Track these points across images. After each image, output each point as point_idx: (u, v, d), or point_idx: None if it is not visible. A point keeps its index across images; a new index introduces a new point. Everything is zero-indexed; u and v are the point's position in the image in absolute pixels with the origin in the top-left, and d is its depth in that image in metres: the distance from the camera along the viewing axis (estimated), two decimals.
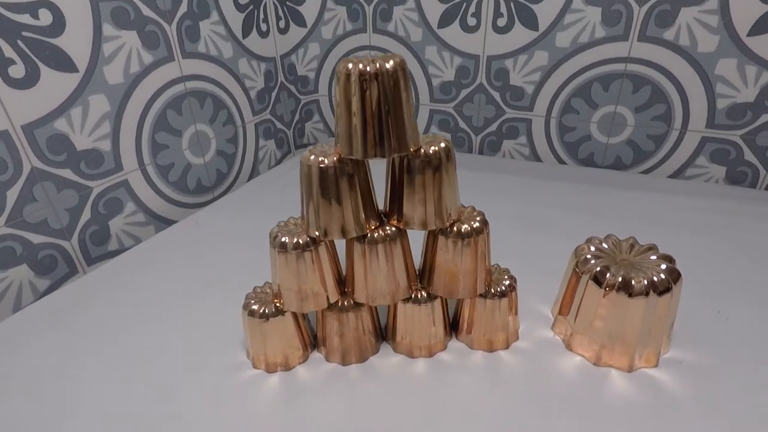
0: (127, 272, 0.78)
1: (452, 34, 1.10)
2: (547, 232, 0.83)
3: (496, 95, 1.13)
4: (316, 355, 0.59)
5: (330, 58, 1.28)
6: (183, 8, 0.93)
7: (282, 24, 1.22)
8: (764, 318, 0.62)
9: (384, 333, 0.61)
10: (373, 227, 0.51)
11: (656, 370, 0.55)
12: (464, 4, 1.06)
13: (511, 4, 1.02)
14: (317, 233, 0.51)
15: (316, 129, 1.41)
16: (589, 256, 0.55)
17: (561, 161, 1.13)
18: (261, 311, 0.54)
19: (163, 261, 0.81)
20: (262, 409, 0.52)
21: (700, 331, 0.60)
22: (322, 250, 0.52)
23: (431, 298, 0.56)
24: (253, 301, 0.56)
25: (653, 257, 0.54)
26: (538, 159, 1.16)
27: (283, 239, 0.51)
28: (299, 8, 1.22)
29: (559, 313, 0.60)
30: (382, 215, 0.54)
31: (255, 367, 0.57)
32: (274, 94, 1.24)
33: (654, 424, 0.48)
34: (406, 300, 0.55)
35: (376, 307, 0.59)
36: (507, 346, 0.59)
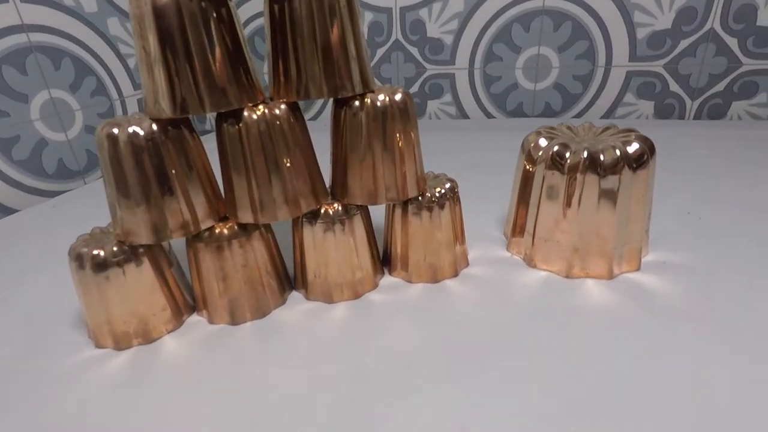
0: None
1: None
2: (484, 169, 0.72)
3: (414, 51, 1.03)
4: (196, 319, 0.42)
5: None
6: None
7: None
8: (733, 215, 0.53)
9: (293, 279, 0.45)
10: (253, 104, 0.36)
11: (640, 274, 0.43)
12: None
13: None
14: (164, 110, 0.34)
15: None
16: (541, 141, 0.44)
17: (489, 115, 1.05)
18: (94, 254, 0.36)
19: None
20: (97, 410, 0.33)
21: (676, 233, 0.50)
22: (179, 141, 0.36)
23: (348, 213, 0.40)
24: (83, 243, 0.37)
25: (618, 134, 0.44)
26: (465, 116, 1.07)
27: (113, 130, 0.34)
28: None
29: (514, 234, 0.48)
30: (271, 96, 0.39)
31: (99, 345, 0.39)
32: None
33: (650, 329, 0.36)
34: (314, 217, 0.40)
35: (274, 239, 0.42)
36: (455, 273, 0.45)
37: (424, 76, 1.06)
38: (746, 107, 0.90)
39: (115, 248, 0.37)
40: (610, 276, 0.43)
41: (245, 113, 0.35)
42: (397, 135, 0.38)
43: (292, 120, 0.37)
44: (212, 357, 0.37)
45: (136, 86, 0.98)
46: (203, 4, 0.32)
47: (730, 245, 0.47)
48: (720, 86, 0.90)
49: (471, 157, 0.78)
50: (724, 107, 0.92)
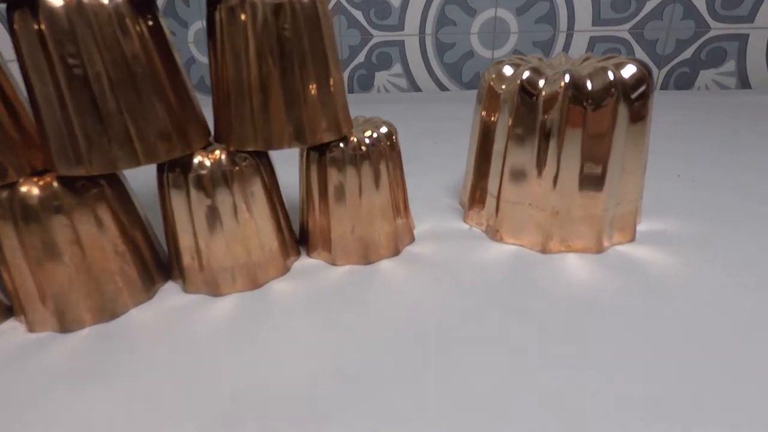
0: None
1: None
2: (440, 137, 0.61)
3: (359, 15, 0.91)
4: (11, 326, 0.28)
5: None
6: None
7: None
8: (722, 176, 0.45)
9: (165, 266, 0.32)
10: None
11: (635, 246, 0.33)
12: None
13: None
14: None
15: None
16: (506, 69, 0.33)
17: (444, 87, 0.95)
18: None
19: None
20: None
21: (669, 197, 0.41)
22: None
23: (237, 163, 0.28)
24: None
25: (602, 60, 0.33)
26: (417, 89, 0.96)
27: None
28: None
29: (472, 203, 0.36)
30: None
31: None
32: None
33: (654, 317, 0.26)
34: (183, 171, 0.27)
35: (130, 201, 0.29)
36: (395, 251, 0.33)
37: (371, 43, 0.94)
38: (714, 76, 0.84)
39: None
40: (599, 249, 0.32)
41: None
42: (301, 38, 0.26)
43: (133, 15, 0.24)
44: (17, 383, 0.23)
45: None
46: None
47: (727, 207, 0.38)
48: (687, 53, 0.84)
49: (424, 126, 0.67)
50: (691, 76, 0.85)
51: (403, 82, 0.96)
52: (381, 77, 0.97)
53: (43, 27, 0.22)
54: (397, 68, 0.95)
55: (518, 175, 0.32)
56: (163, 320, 0.28)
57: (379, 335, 0.25)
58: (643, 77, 0.30)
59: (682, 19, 0.81)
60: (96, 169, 0.25)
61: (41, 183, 0.25)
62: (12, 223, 0.25)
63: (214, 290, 0.29)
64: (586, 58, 0.35)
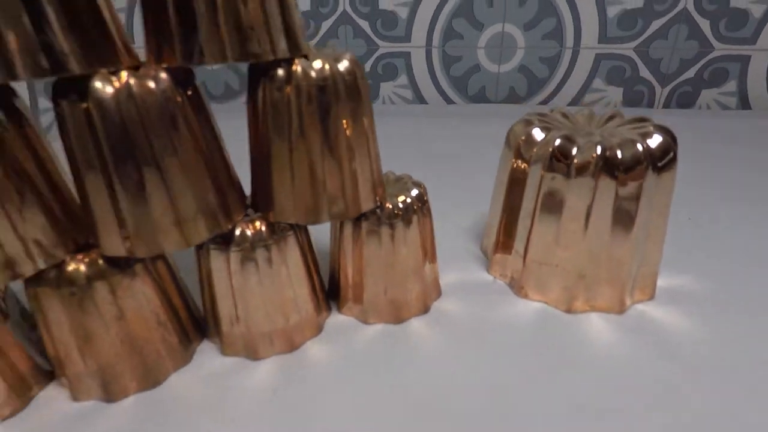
0: None
1: None
2: (450, 163, 0.62)
3: (365, 25, 0.91)
4: (52, 393, 0.28)
5: None
6: None
7: None
8: (732, 220, 0.46)
9: (201, 322, 0.32)
10: (104, 72, 0.23)
11: (655, 306, 0.34)
12: None
13: None
14: None
15: None
16: (535, 132, 0.33)
17: (449, 100, 0.95)
18: None
19: None
20: None
21: (681, 246, 0.42)
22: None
23: (277, 234, 0.28)
24: None
25: (627, 123, 0.34)
26: (422, 101, 0.96)
27: None
28: None
29: (499, 249, 0.37)
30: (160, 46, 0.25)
31: None
32: None
33: (682, 386, 0.27)
34: (225, 242, 0.27)
35: (170, 268, 0.29)
36: (425, 309, 0.34)
37: (377, 54, 0.93)
38: (715, 96, 0.86)
39: None
40: (621, 309, 0.33)
41: (95, 84, 0.22)
42: (344, 122, 0.26)
43: (179, 97, 0.24)
44: None
45: None
46: None
47: (741, 258, 0.40)
48: (690, 72, 0.85)
49: (432, 147, 0.68)
50: (693, 95, 0.86)
51: (408, 94, 0.96)
52: (387, 88, 0.96)
53: (92, 114, 0.22)
54: (403, 79, 0.95)
55: (546, 238, 0.33)
56: (205, 386, 0.28)
57: (415, 402, 0.26)
58: (669, 147, 0.31)
59: (687, 39, 0.82)
60: (143, 252, 0.25)
61: (87, 260, 0.25)
62: (59, 300, 0.25)
63: (253, 354, 0.30)
64: (611, 117, 0.35)
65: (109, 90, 0.22)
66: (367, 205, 0.29)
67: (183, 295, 0.31)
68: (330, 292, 0.35)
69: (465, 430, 0.25)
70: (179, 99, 0.24)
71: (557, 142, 0.31)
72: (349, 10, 0.90)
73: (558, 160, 0.31)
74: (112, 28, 0.23)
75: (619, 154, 0.30)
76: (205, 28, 0.22)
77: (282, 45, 0.24)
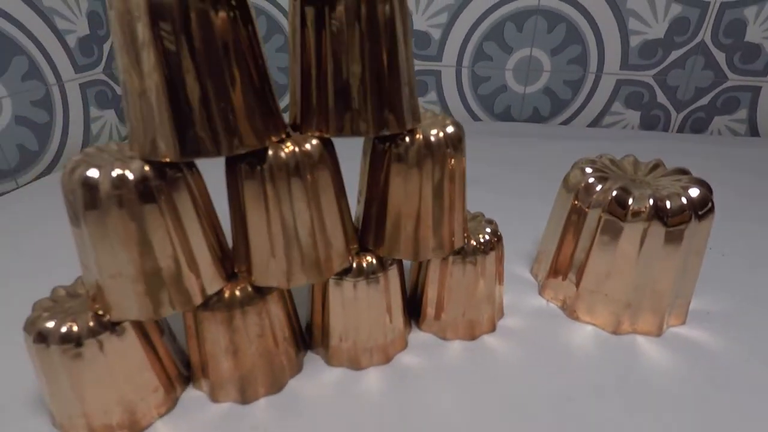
0: None
1: None
2: (486, 187, 0.67)
3: None
4: (193, 395, 0.34)
5: None
6: None
7: None
8: (754, 249, 0.52)
9: (306, 336, 0.38)
10: (276, 139, 0.28)
11: (687, 328, 0.40)
12: None
13: None
14: (164, 149, 0.26)
15: None
16: (592, 182, 0.39)
17: (476, 117, 1.00)
18: (64, 331, 0.27)
19: None
20: None
21: (705, 273, 0.48)
22: (182, 189, 0.27)
23: (383, 266, 0.34)
24: (46, 314, 0.28)
25: (670, 174, 0.40)
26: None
27: (88, 173, 0.25)
28: None
29: (552, 274, 0.43)
30: (294, 122, 0.31)
31: None
32: (106, 46, 0.91)
33: (713, 393, 0.33)
34: (344, 274, 0.33)
35: (290, 294, 0.35)
36: (493, 328, 0.40)
37: None
38: (727, 122, 0.92)
39: (91, 323, 0.28)
40: (659, 333, 0.39)
41: (270, 152, 0.27)
42: (449, 179, 0.32)
43: (326, 159, 0.29)
44: None
45: (77, 69, 0.84)
46: (219, 8, 0.24)
47: (763, 283, 0.46)
48: (704, 100, 0.91)
49: (470, 168, 0.73)
50: (706, 121, 0.93)
51: (436, 109, 1.01)
52: None
53: (265, 173, 0.27)
54: (432, 96, 1.00)
55: (599, 271, 0.39)
56: (321, 391, 0.34)
57: (500, 406, 0.32)
58: (707, 198, 0.37)
59: (703, 69, 0.88)
60: (292, 284, 0.31)
61: (239, 288, 0.31)
62: (217, 321, 0.31)
63: (356, 365, 0.36)
64: (655, 166, 0.41)
65: (282, 156, 0.27)
66: (459, 243, 0.35)
67: (296, 316, 0.36)
68: (411, 311, 0.41)
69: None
70: (326, 161, 0.29)
71: (614, 192, 0.37)
72: None
73: (616, 206, 0.37)
74: (277, 107, 0.28)
75: (668, 204, 0.36)
76: (358, 108, 0.28)
77: (410, 118, 0.30)
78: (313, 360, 0.37)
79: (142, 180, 0.25)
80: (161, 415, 0.32)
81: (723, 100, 0.90)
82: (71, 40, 0.83)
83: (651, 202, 0.36)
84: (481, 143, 0.85)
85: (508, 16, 0.89)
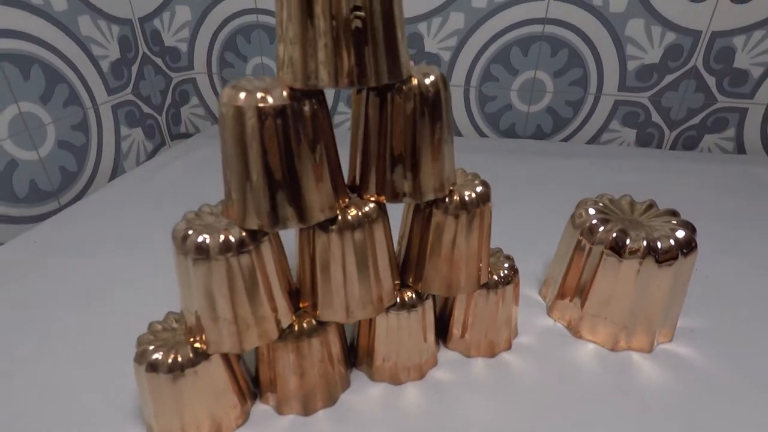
0: None
1: None
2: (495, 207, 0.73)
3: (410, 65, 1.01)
4: (261, 408, 0.40)
5: (206, 26, 1.03)
6: None
7: None
8: (734, 267, 0.59)
9: (353, 356, 0.45)
10: (343, 205, 0.34)
11: (674, 345, 0.47)
12: None
13: None
14: (259, 222, 0.32)
15: (196, 114, 1.15)
16: (595, 222, 0.46)
17: (482, 134, 1.07)
18: (170, 361, 0.34)
19: None
20: None
21: (690, 294, 0.54)
22: (266, 249, 0.34)
23: (421, 299, 0.40)
24: (152, 347, 0.35)
25: (661, 215, 0.47)
26: (458, 133, 1.08)
27: (200, 239, 0.31)
28: None
29: (559, 296, 0.50)
30: (352, 183, 0.37)
31: None
32: (135, 68, 0.96)
33: (701, 403, 0.40)
34: (390, 308, 0.40)
35: (342, 324, 0.41)
36: (509, 346, 0.47)
37: None
38: (716, 140, 0.99)
39: (191, 354, 0.34)
40: (651, 349, 0.46)
41: (339, 217, 0.34)
42: (478, 229, 0.39)
43: (381, 218, 0.36)
44: None
45: (110, 91, 0.89)
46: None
47: (743, 302, 0.52)
48: (696, 119, 0.97)
49: None
50: (697, 139, 0.99)
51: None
52: None
53: (334, 236, 0.34)
54: None
55: (600, 298, 0.45)
56: (370, 403, 0.41)
57: (527, 415, 0.39)
58: (691, 239, 0.43)
59: (695, 92, 0.94)
60: (352, 320, 0.37)
61: (306, 321, 0.37)
62: (288, 349, 0.37)
63: (396, 381, 0.42)
64: (649, 206, 0.48)
65: (349, 219, 0.34)
66: (484, 280, 0.41)
67: (346, 340, 0.43)
68: (439, 331, 0.48)
69: None
70: (381, 221, 0.36)
71: (615, 234, 0.43)
72: None
73: (616, 245, 0.43)
74: (342, 175, 0.34)
75: (659, 244, 0.42)
76: (407, 178, 0.34)
77: (448, 185, 0.36)
78: (358, 376, 0.44)
79: (240, 244, 0.31)
80: (239, 426, 0.39)
81: (713, 120, 0.97)
82: (105, 65, 0.88)
83: (645, 243, 0.42)
84: (486, 161, 0.91)
85: (514, 41, 0.95)
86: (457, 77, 1.01)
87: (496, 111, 1.03)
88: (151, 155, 1.03)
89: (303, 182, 0.31)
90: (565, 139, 1.04)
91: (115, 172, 0.92)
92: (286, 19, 0.28)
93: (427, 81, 0.32)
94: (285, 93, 0.29)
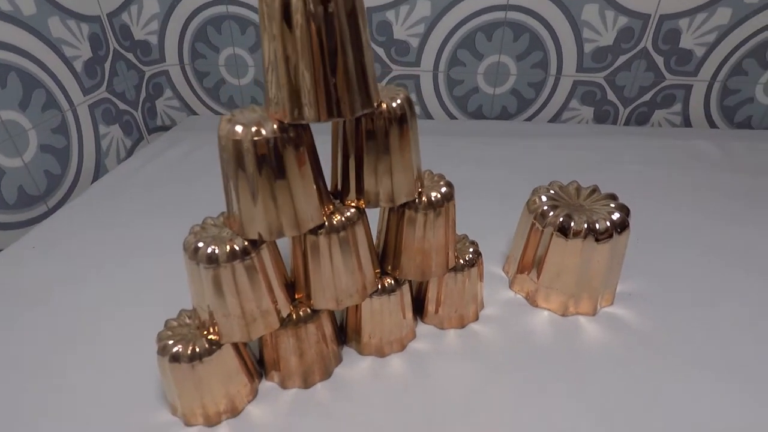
0: None
1: None
2: (460, 191, 0.80)
3: (381, 51, 1.05)
4: (267, 385, 0.47)
5: (175, 18, 1.04)
6: None
7: None
8: (667, 235, 0.68)
9: (343, 335, 0.51)
10: (328, 212, 0.40)
11: (614, 308, 0.56)
12: None
13: None
14: (260, 233, 0.38)
15: (170, 107, 1.16)
16: (546, 208, 0.53)
17: (452, 116, 1.12)
18: (189, 352, 0.40)
19: None
20: None
21: (628, 262, 0.62)
22: (266, 254, 0.39)
23: (399, 284, 0.47)
24: (171, 341, 0.40)
25: (601, 199, 0.54)
26: (429, 117, 1.13)
27: (209, 250, 0.37)
28: None
29: (519, 271, 0.57)
30: (335, 189, 0.43)
31: (189, 424, 0.43)
32: (107, 65, 0.97)
33: (636, 358, 0.49)
34: (372, 293, 0.46)
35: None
36: (477, 318, 0.54)
37: (390, 75, 1.09)
38: (665, 115, 1.07)
39: (206, 345, 0.40)
40: (595, 312, 0.55)
41: (326, 222, 0.40)
42: (445, 223, 0.45)
43: (361, 220, 0.42)
44: (304, 420, 0.43)
45: (85, 91, 0.91)
46: None
47: (673, 267, 0.61)
48: (647, 97, 1.05)
49: (451, 169, 0.86)
50: (648, 114, 1.07)
51: (417, 110, 1.12)
52: None
53: (322, 239, 0.40)
54: (413, 97, 1.11)
55: (552, 272, 0.53)
56: (360, 374, 0.48)
57: (498, 374, 0.47)
58: (625, 221, 0.51)
59: (645, 71, 1.02)
60: (342, 307, 0.43)
61: (302, 309, 0.44)
62: (289, 335, 0.43)
63: (380, 354, 0.49)
64: (592, 191, 0.55)
65: (334, 224, 0.39)
66: (452, 264, 0.48)
67: (335, 319, 0.49)
68: (416, 307, 0.55)
69: (528, 392, 0.46)
70: (361, 220, 0.42)
71: (561, 218, 0.51)
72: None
73: (563, 227, 0.51)
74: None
75: (597, 226, 0.50)
76: (394, 189, 0.40)
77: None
78: (349, 352, 0.50)
79: (244, 251, 0.37)
80: (249, 401, 0.45)
81: (662, 96, 1.05)
82: (78, 65, 0.89)
83: (586, 225, 0.50)
84: (457, 142, 0.97)
85: (478, 27, 1.00)
86: (426, 63, 1.05)
87: (464, 94, 1.09)
88: (130, 151, 1.05)
89: (294, 198, 0.36)
90: (529, 119, 1.11)
91: (98, 170, 0.94)
92: (273, 66, 0.33)
93: (395, 104, 0.38)
94: (275, 126, 0.34)
